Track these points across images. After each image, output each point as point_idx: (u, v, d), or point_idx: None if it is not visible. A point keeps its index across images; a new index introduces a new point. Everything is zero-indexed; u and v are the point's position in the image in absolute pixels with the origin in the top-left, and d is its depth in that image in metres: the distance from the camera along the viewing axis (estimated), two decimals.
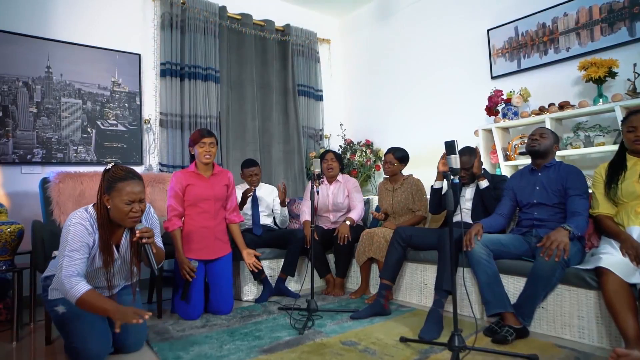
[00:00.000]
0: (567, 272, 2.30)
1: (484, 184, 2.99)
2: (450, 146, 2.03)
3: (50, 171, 3.15)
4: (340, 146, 5.26)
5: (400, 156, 3.52)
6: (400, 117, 4.98)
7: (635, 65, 2.93)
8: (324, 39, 5.57)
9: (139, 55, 4.05)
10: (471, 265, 2.56)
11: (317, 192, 3.03)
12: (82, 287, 1.90)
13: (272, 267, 3.56)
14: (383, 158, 3.65)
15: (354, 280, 3.67)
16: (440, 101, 4.52)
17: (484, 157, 3.77)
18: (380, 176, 5.18)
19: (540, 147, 2.66)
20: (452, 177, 2.04)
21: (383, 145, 5.14)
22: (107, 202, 2.07)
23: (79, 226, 2.02)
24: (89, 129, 3.71)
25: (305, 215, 3.76)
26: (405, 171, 3.65)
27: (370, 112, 5.38)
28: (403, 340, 2.32)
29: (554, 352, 2.13)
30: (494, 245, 2.56)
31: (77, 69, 3.65)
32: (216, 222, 2.99)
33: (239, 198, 3.63)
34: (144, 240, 2.06)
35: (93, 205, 2.14)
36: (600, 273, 2.10)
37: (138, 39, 4.07)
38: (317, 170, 2.96)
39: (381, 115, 5.23)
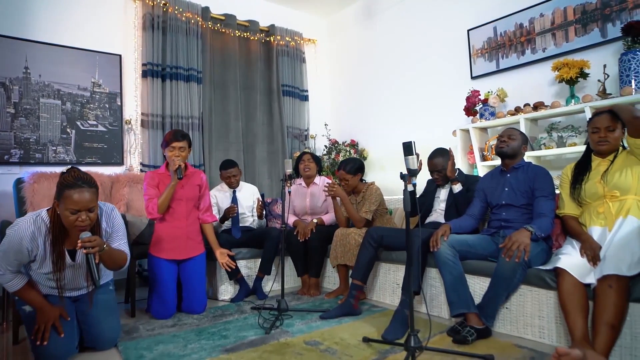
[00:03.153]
0: (529, 273, 2.31)
1: (457, 188, 3.00)
2: (407, 147, 2.04)
3: (25, 171, 3.17)
4: (325, 146, 5.28)
5: (351, 169, 3.36)
6: (384, 117, 4.99)
7: (605, 66, 2.93)
8: (310, 39, 5.58)
9: (120, 56, 4.07)
10: (437, 266, 2.57)
11: (289, 192, 3.04)
12: (15, 283, 2.10)
13: (249, 267, 3.58)
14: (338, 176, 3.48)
15: (331, 280, 3.68)
16: (423, 101, 4.53)
17: (461, 158, 3.79)
18: (364, 176, 5.18)
19: (508, 148, 2.67)
20: (410, 178, 2.05)
21: (368, 144, 5.17)
22: (57, 208, 2.04)
23: (19, 230, 2.02)
24: (68, 130, 3.73)
25: (290, 218, 3.82)
26: (388, 172, 3.62)
27: (356, 112, 5.39)
28: (366, 340, 2.33)
29: (512, 352, 2.14)
30: (461, 246, 2.57)
31: (57, 69, 3.68)
32: (188, 222, 3.01)
33: (219, 201, 3.66)
34: (85, 251, 1.99)
35: (47, 210, 2.13)
36: (557, 273, 2.12)
37: (119, 40, 4.09)
38: (289, 171, 2.99)
39: (366, 115, 5.24)
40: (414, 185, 2.07)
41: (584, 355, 1.72)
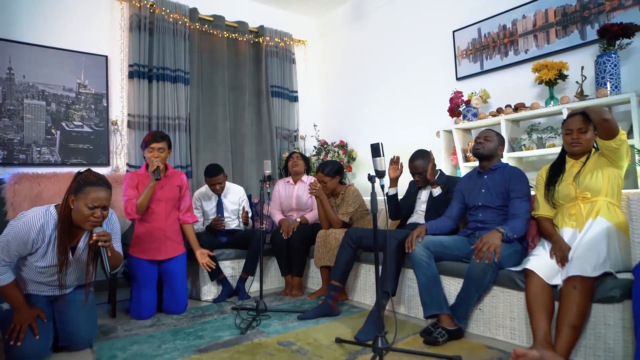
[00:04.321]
0: (501, 274, 2.32)
1: (437, 191, 3.01)
2: (375, 149, 2.05)
3: (7, 172, 3.19)
4: (315, 147, 5.29)
5: (330, 171, 3.38)
6: (373, 118, 5.00)
7: (582, 68, 2.94)
8: (300, 40, 5.59)
9: (106, 57, 4.08)
10: (412, 267, 2.58)
11: (268, 192, 3.07)
12: (5, 277, 2.10)
13: (233, 267, 3.59)
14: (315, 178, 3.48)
15: (315, 281, 3.69)
16: (411, 102, 4.54)
17: (445, 159, 3.79)
18: (352, 177, 5.21)
19: (484, 150, 2.68)
20: (377, 179, 2.06)
21: (357, 145, 5.18)
22: (72, 203, 2.12)
23: (29, 222, 2.08)
24: (53, 130, 3.75)
25: (277, 215, 3.87)
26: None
27: (345, 112, 5.41)
28: (338, 341, 2.34)
29: (481, 353, 2.15)
30: (436, 247, 2.58)
31: (41, 70, 3.70)
32: (168, 223, 3.02)
33: (204, 205, 3.68)
34: (100, 244, 2.10)
35: (55, 206, 2.20)
36: (525, 275, 2.13)
37: (105, 41, 4.10)
38: (268, 172, 3.01)
39: (355, 116, 5.25)
40: (382, 186, 2.08)
41: (541, 356, 1.73)
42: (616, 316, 1.87)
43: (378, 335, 2.01)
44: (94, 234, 2.09)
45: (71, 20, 3.93)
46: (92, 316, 2.44)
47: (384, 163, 2.07)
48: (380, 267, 2.64)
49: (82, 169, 2.20)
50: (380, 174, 2.06)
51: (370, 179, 2.05)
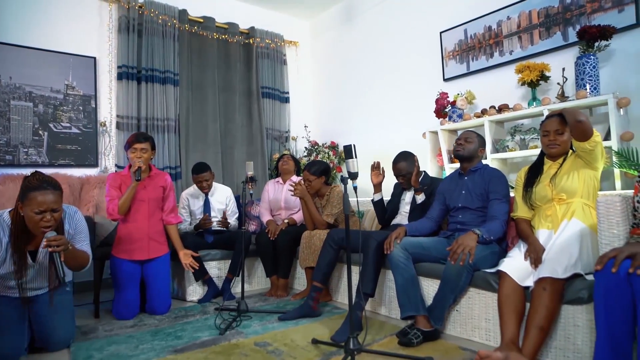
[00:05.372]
0: (476, 276, 2.32)
1: (420, 198, 3.01)
2: (347, 151, 2.07)
3: None
4: (306, 148, 5.30)
5: (316, 171, 3.41)
6: (364, 119, 5.01)
7: (564, 69, 2.94)
8: (291, 42, 5.60)
9: (95, 58, 4.10)
10: (390, 268, 2.58)
11: (251, 194, 3.08)
12: None
13: (219, 268, 3.61)
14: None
15: (302, 282, 3.70)
16: (399, 103, 4.55)
17: (431, 160, 3.80)
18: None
19: (464, 151, 2.68)
20: (350, 181, 2.07)
21: None
22: (21, 210, 2.11)
23: None
24: (40, 132, 3.77)
25: (265, 216, 3.89)
26: (367, 173, 3.62)
27: (336, 113, 5.42)
28: (315, 342, 2.35)
29: (455, 354, 2.15)
30: (415, 248, 2.59)
31: (29, 72, 3.72)
32: (151, 223, 3.03)
33: (191, 204, 3.69)
34: (50, 249, 2.07)
35: (10, 212, 2.19)
36: (499, 276, 2.13)
37: (93, 43, 4.13)
38: (250, 173, 3.02)
39: (346, 117, 5.26)
40: (355, 188, 2.09)
41: (505, 357, 1.74)
42: (584, 317, 1.87)
43: (350, 336, 2.02)
44: (44, 240, 2.06)
45: (59, 22, 3.96)
46: (69, 317, 2.45)
47: (357, 165, 2.08)
48: (357, 268, 2.64)
49: (29, 173, 2.17)
50: (352, 176, 2.07)
51: (342, 180, 2.06)
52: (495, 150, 3.32)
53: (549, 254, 2.07)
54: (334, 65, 5.48)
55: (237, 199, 3.99)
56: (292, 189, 3.32)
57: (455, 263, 2.27)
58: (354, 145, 2.07)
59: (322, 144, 5.25)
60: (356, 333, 2.03)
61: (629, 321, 1.52)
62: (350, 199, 3.54)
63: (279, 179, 4.01)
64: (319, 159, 5.01)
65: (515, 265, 2.13)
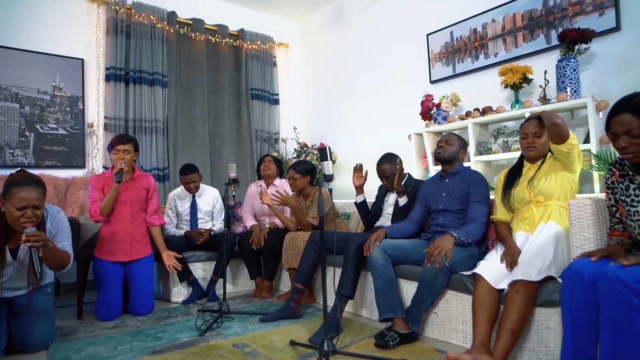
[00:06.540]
0: (454, 278, 2.32)
1: (403, 201, 3.02)
2: (322, 153, 2.07)
3: None
4: (295, 149, 5.30)
5: (302, 170, 3.39)
6: (353, 121, 5.02)
7: (545, 72, 2.95)
8: (281, 43, 5.61)
9: (82, 60, 4.11)
10: (370, 270, 2.59)
11: (234, 195, 3.09)
12: None
13: (204, 269, 3.61)
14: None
15: (287, 283, 3.70)
16: (387, 105, 4.56)
17: (416, 162, 3.81)
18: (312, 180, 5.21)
19: (444, 154, 2.69)
20: (327, 184, 2.07)
21: (337, 148, 5.19)
22: (2, 206, 2.13)
23: None
24: (27, 133, 3.77)
25: (249, 221, 3.87)
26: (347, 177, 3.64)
27: (326, 115, 5.43)
28: (292, 343, 2.35)
29: (431, 356, 2.16)
30: (394, 250, 2.59)
31: (15, 73, 3.72)
32: (133, 225, 3.04)
33: (178, 205, 3.69)
34: (28, 244, 2.09)
35: None
36: (474, 279, 2.14)
37: (81, 44, 4.13)
38: (233, 175, 3.03)
39: (335, 119, 5.27)
40: (330, 190, 2.10)
41: (474, 359, 1.74)
42: (557, 320, 1.87)
43: (324, 338, 2.03)
44: (24, 235, 2.07)
45: (47, 24, 3.96)
46: (49, 318, 2.44)
47: (331, 167, 2.09)
48: (333, 270, 2.65)
49: (14, 171, 2.20)
50: (327, 178, 2.08)
51: (318, 182, 2.06)
52: (479, 152, 3.32)
53: (524, 256, 2.07)
54: (323, 67, 5.49)
55: (224, 200, 3.98)
56: (277, 199, 3.31)
57: (432, 265, 2.27)
58: (329, 148, 2.09)
59: (312, 146, 5.25)
60: (331, 335, 2.03)
61: (593, 322, 1.53)
62: (334, 201, 3.60)
63: (262, 183, 3.98)
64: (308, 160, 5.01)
65: (490, 267, 2.14)
